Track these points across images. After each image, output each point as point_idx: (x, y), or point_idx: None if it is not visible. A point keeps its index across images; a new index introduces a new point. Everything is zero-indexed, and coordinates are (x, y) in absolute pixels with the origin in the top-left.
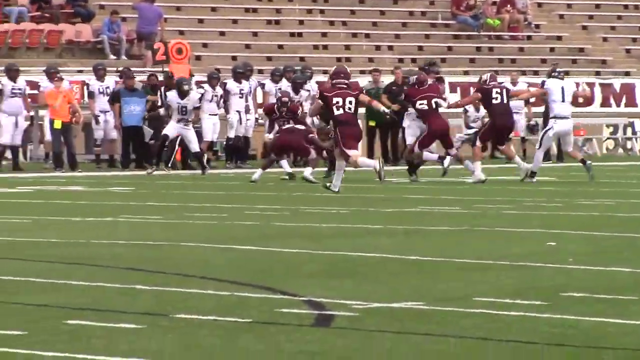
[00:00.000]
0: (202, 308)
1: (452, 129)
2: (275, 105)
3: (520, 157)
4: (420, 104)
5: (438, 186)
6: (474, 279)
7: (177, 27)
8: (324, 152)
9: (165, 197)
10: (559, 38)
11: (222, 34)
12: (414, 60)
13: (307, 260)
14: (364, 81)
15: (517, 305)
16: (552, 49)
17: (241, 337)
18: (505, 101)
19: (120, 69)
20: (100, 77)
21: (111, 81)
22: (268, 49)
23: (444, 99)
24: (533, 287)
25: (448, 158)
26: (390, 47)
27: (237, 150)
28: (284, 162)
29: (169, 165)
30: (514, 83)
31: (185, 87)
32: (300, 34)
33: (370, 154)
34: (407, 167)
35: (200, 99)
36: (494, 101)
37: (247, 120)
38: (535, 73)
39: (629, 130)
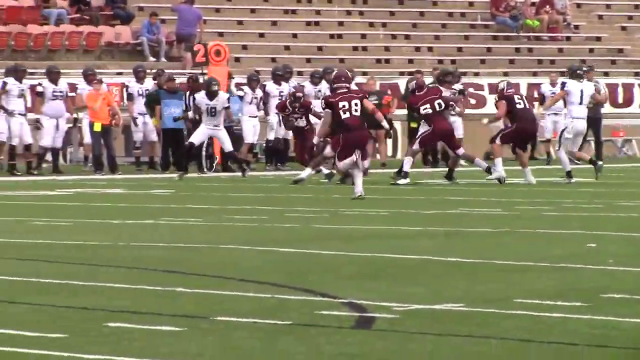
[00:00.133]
0: (242, 310)
1: (491, 130)
2: (288, 101)
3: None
4: (424, 109)
5: (478, 188)
6: (515, 280)
7: (216, 29)
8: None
9: (205, 199)
10: (598, 39)
11: (261, 35)
12: (453, 62)
13: (346, 262)
14: (403, 82)
15: (558, 306)
16: (591, 50)
17: (281, 340)
18: (527, 106)
19: (154, 70)
20: (140, 79)
21: (151, 83)
22: (307, 50)
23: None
24: (574, 289)
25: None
26: (429, 49)
27: (276, 153)
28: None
29: (204, 170)
30: (553, 84)
31: (214, 88)
32: (339, 36)
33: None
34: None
35: (229, 100)
36: (517, 106)
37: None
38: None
39: None
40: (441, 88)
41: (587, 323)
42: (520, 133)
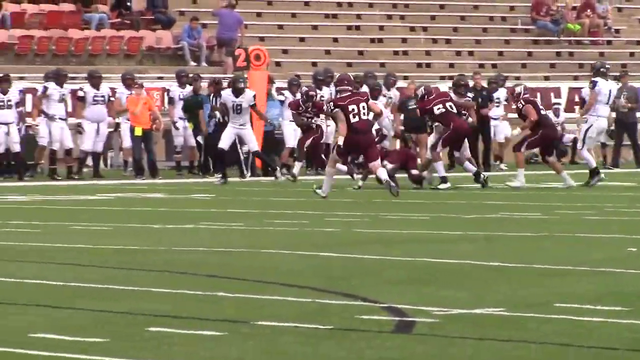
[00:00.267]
0: (283, 315)
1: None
2: (301, 99)
3: (600, 162)
4: (438, 109)
5: (519, 192)
6: (554, 284)
7: (257, 34)
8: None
9: (246, 203)
10: (639, 43)
11: (302, 40)
12: (494, 66)
13: (387, 267)
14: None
15: (598, 311)
16: (631, 54)
17: (322, 344)
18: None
19: (191, 75)
20: (182, 84)
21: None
22: (348, 54)
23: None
24: (614, 293)
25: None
26: (470, 53)
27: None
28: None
29: (244, 174)
30: None
31: (241, 85)
32: (380, 40)
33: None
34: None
35: (255, 97)
36: (541, 112)
37: (328, 127)
38: (615, 78)
39: None
40: (450, 92)
41: (627, 327)
42: (545, 140)
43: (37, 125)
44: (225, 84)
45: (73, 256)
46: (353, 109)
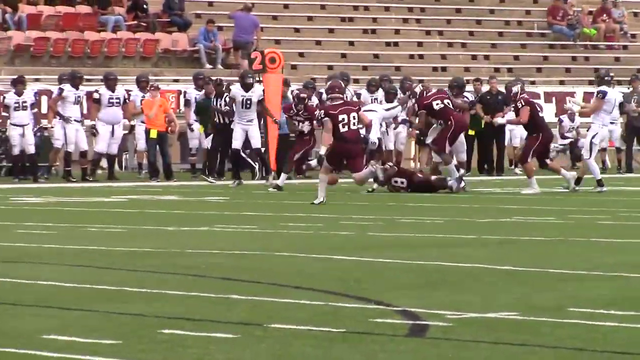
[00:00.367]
0: (297, 318)
1: None
2: (293, 102)
3: (615, 167)
4: (437, 104)
5: (533, 196)
6: (569, 289)
7: (273, 36)
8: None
9: (260, 206)
10: None
11: (318, 43)
12: (510, 70)
13: (401, 270)
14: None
15: (612, 315)
16: None
17: (335, 347)
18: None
19: (201, 77)
20: (199, 87)
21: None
22: (364, 58)
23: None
24: (628, 298)
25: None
26: (486, 57)
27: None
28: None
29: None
30: None
31: (249, 80)
32: (396, 44)
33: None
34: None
35: (264, 91)
36: (540, 114)
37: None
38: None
39: None
40: (447, 91)
41: None
42: (546, 144)
43: (52, 127)
44: (226, 85)
45: (87, 258)
46: (343, 119)
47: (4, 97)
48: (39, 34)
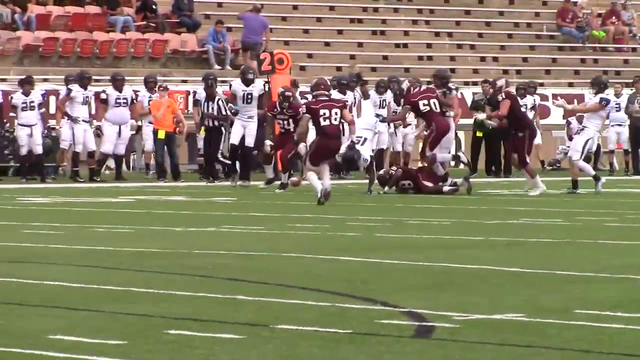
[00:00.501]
0: (303, 319)
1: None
2: (277, 101)
3: (623, 169)
4: (423, 104)
5: (541, 198)
6: (575, 291)
7: (282, 37)
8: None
9: (268, 207)
10: None
11: (327, 44)
12: (518, 72)
13: (408, 272)
14: (468, 93)
15: (619, 317)
16: None
17: (341, 348)
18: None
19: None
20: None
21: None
22: (373, 59)
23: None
24: (635, 300)
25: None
26: (495, 59)
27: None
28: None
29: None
30: (617, 95)
31: (250, 76)
32: (405, 45)
33: (474, 165)
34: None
35: (265, 86)
36: (522, 109)
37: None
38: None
39: None
40: (435, 89)
41: None
42: (532, 140)
43: (59, 128)
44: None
45: (94, 258)
46: (324, 113)
47: (12, 97)
48: (48, 34)
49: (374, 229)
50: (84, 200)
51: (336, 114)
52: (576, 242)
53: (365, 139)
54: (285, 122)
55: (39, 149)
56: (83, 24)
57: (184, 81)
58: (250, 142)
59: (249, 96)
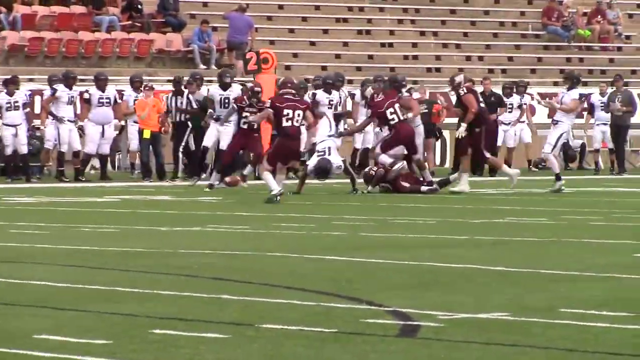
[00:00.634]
0: (288, 318)
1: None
2: (246, 95)
3: (608, 168)
4: (390, 113)
5: (526, 197)
6: (560, 290)
7: (267, 37)
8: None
9: (252, 207)
10: None
11: (312, 44)
12: (504, 71)
13: (393, 271)
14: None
15: (603, 316)
16: None
17: (326, 347)
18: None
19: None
20: (197, 87)
21: (204, 90)
22: (358, 59)
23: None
24: (620, 299)
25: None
26: (480, 58)
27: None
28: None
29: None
30: (602, 94)
31: (227, 80)
32: (390, 44)
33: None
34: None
35: (242, 91)
36: (481, 104)
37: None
38: (625, 85)
39: None
40: (395, 91)
41: (633, 333)
42: (492, 134)
43: (44, 128)
44: (184, 83)
45: (79, 258)
46: (288, 113)
47: None
48: (34, 34)
49: (359, 228)
50: (69, 200)
51: (299, 115)
52: (561, 241)
53: (329, 148)
54: (251, 115)
55: (24, 149)
56: (68, 23)
57: (170, 81)
58: (223, 145)
59: (226, 100)
